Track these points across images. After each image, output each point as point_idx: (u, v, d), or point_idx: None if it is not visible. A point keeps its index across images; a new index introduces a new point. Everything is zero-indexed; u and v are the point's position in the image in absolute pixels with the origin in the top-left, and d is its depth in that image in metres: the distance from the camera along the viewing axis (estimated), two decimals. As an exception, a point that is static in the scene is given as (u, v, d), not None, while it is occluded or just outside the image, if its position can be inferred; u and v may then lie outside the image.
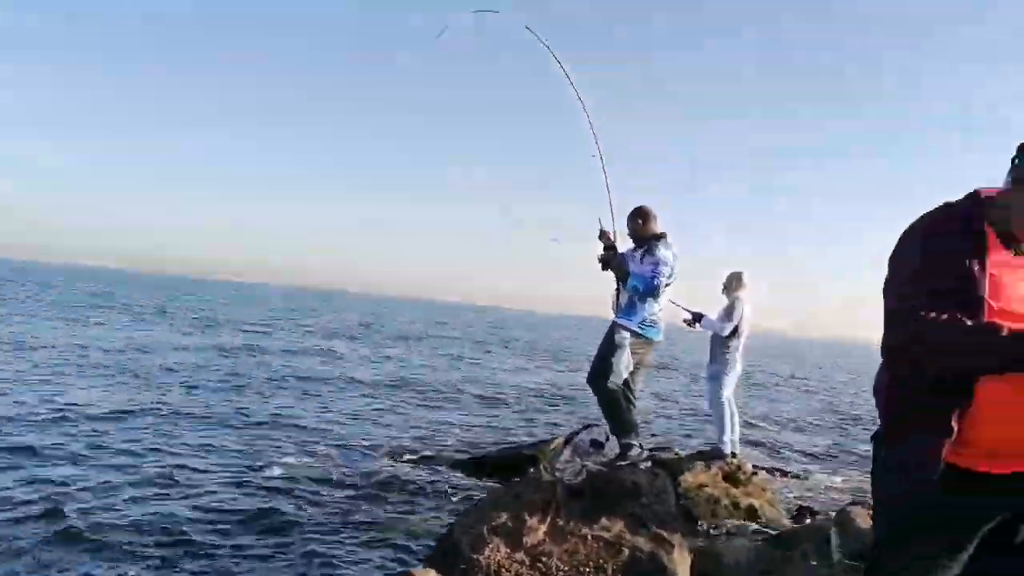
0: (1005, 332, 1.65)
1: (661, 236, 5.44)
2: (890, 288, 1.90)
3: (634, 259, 5.48)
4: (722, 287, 6.80)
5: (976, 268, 1.76)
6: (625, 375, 5.45)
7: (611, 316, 5.53)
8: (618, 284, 5.64)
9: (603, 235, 5.61)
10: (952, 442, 1.77)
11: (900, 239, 1.92)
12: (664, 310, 5.60)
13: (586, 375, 5.64)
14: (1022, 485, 1.79)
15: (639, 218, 5.55)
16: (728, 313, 6.67)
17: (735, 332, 6.67)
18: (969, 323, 1.70)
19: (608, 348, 5.40)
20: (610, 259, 5.55)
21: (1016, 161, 1.83)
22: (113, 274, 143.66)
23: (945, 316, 1.71)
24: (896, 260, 1.91)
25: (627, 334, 5.42)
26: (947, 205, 1.94)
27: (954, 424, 1.76)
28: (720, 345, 6.72)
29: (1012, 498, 1.81)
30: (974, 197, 1.91)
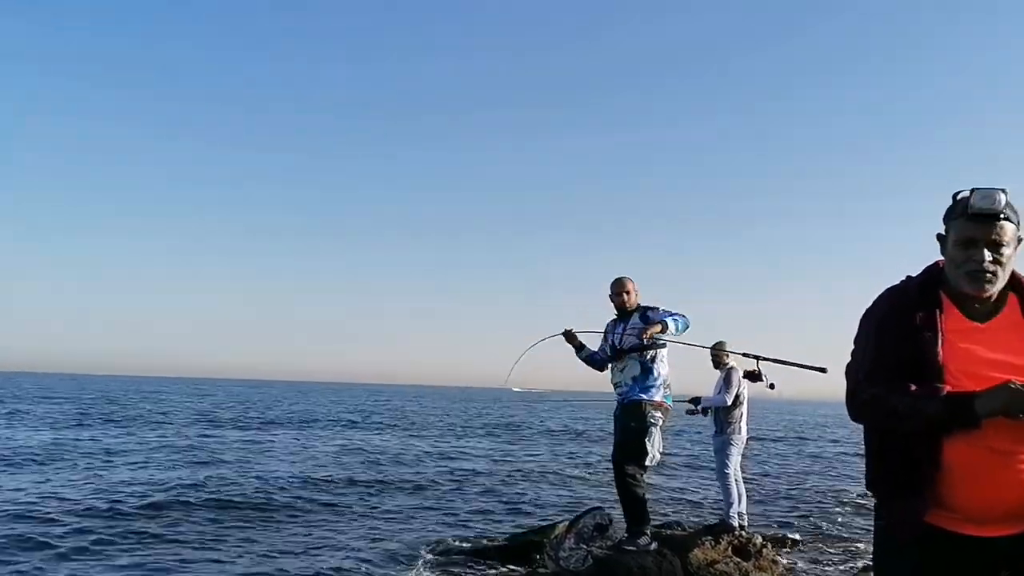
0: (943, 394, 1.73)
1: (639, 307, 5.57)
2: (851, 365, 1.96)
3: (633, 327, 5.46)
4: (712, 361, 6.84)
5: (929, 336, 1.83)
6: (659, 457, 5.37)
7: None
8: (610, 362, 5.66)
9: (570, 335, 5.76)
10: (934, 506, 1.80)
11: (861, 318, 1.99)
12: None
13: (611, 453, 5.57)
14: (1009, 548, 1.80)
15: (624, 292, 5.62)
16: (727, 383, 6.69)
17: (736, 400, 6.69)
18: (914, 388, 1.77)
19: (642, 429, 5.31)
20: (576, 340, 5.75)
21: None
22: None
23: (894, 386, 1.80)
24: (857, 338, 1.98)
25: (659, 414, 5.36)
26: (906, 279, 2.01)
27: (927, 490, 1.79)
28: (724, 416, 6.72)
29: (1000, 562, 1.81)
30: (931, 268, 1.99)
